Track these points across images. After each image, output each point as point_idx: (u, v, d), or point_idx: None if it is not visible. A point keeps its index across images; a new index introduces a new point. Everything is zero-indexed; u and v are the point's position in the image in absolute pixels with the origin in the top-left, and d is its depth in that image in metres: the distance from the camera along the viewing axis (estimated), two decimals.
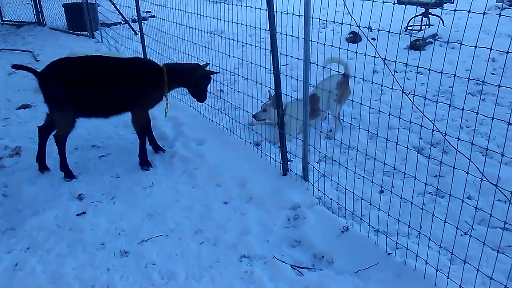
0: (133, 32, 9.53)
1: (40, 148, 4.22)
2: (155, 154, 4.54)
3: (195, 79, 4.32)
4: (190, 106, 5.57)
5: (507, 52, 2.16)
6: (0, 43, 9.60)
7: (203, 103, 5.34)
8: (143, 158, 4.29)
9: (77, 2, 10.05)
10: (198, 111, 5.42)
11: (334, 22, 3.23)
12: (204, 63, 4.46)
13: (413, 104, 2.82)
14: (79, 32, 10.02)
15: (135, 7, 6.62)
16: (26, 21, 11.30)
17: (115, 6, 9.95)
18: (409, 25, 8.78)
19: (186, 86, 4.45)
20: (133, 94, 4.04)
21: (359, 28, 3.01)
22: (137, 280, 2.89)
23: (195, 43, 5.43)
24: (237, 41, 4.78)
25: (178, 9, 5.73)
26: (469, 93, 5.69)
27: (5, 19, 11.73)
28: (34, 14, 11.19)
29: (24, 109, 5.89)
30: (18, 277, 2.94)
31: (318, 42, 3.40)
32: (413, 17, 8.60)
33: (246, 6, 4.31)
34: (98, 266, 3.02)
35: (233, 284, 2.84)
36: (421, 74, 5.96)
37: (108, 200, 3.78)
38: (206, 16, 5.11)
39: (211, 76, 4.42)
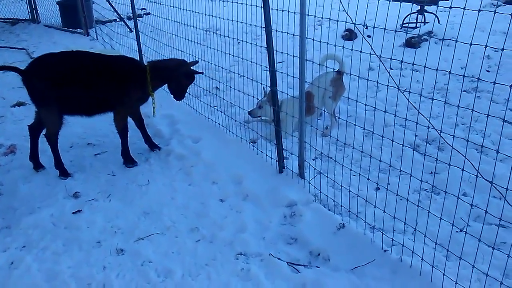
0: (128, 30, 9.49)
1: (32, 147, 4.20)
2: (151, 152, 4.53)
3: (177, 76, 4.20)
4: (186, 103, 5.56)
5: (502, 50, 2.17)
6: None
7: (199, 101, 5.34)
8: (126, 157, 4.28)
9: None
10: (193, 108, 5.41)
11: (329, 19, 3.22)
12: (193, 60, 4.39)
13: (409, 101, 2.83)
14: (73, 30, 9.97)
15: (130, 4, 6.59)
16: (21, 18, 11.23)
17: (110, 4, 9.91)
18: (404, 22, 8.80)
19: (168, 83, 4.31)
20: (114, 93, 3.99)
21: (355, 26, 3.01)
22: (134, 278, 2.88)
23: (191, 41, 5.42)
24: (233, 38, 4.77)
25: (173, 6, 5.71)
26: (464, 90, 5.71)
27: None
28: (28, 12, 11.12)
29: (19, 107, 5.86)
30: (13, 275, 2.93)
31: (314, 40, 3.40)
32: (408, 15, 8.61)
33: (242, 3, 4.30)
34: (94, 264, 3.01)
35: (230, 282, 2.84)
36: (417, 72, 5.97)
37: (104, 198, 3.77)
38: (202, 14, 5.09)
39: (195, 76, 4.30)
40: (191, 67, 4.25)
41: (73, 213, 3.57)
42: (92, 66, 3.97)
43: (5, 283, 2.87)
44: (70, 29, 10.06)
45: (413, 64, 2.70)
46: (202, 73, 4.37)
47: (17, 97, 6.09)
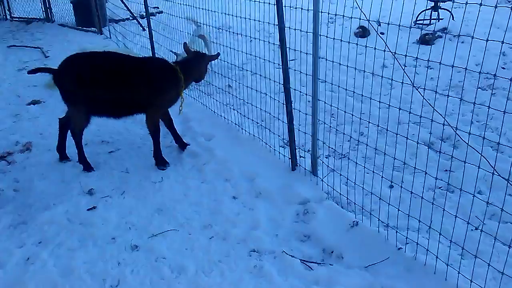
0: (141, 28, 9.55)
1: (60, 139, 4.33)
2: (164, 149, 4.55)
3: (205, 69, 4.41)
4: (199, 101, 5.58)
5: None
6: (9, 39, 9.67)
7: (211, 99, 5.35)
8: (159, 159, 4.26)
9: None
10: (206, 106, 5.42)
11: (343, 16, 3.21)
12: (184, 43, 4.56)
13: (424, 98, 2.80)
14: (87, 28, 10.06)
15: (143, 3, 6.63)
16: (35, 17, 11.37)
17: (123, 2, 9.99)
18: (418, 19, 8.71)
19: (197, 80, 4.50)
20: (148, 95, 4.00)
21: (369, 22, 2.99)
22: (148, 274, 2.91)
23: None
24: (245, 36, 4.76)
25: (185, 4, 5.73)
26: (479, 88, 5.64)
27: (14, 16, 11.81)
28: (42, 11, 11.25)
29: (34, 105, 5.94)
30: (30, 271, 2.97)
31: (327, 37, 3.39)
32: (422, 11, 8.53)
33: (255, 1, 4.30)
34: (109, 260, 3.04)
35: (243, 279, 2.85)
36: (431, 69, 5.91)
37: (118, 195, 3.81)
38: (214, 11, 5.10)
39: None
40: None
41: (88, 209, 3.61)
42: (124, 67, 3.98)
43: (22, 278, 2.91)
44: (84, 28, 10.15)
45: (428, 61, 2.67)
46: (218, 54, 4.57)
47: (33, 95, 6.18)
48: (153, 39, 6.72)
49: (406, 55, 2.82)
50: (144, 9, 6.75)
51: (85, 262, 3.04)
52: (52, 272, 2.96)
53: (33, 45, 8.98)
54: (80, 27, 10.29)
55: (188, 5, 5.70)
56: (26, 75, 7.07)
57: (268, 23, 4.14)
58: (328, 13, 3.44)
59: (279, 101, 4.65)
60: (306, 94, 4.05)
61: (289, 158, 3.97)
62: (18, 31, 10.52)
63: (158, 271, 2.93)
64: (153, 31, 6.71)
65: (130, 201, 3.72)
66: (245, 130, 4.67)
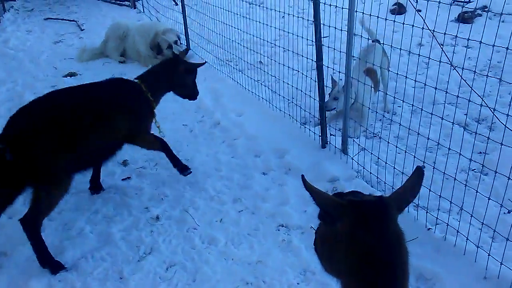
0: (174, 3, 9.55)
1: None
2: (195, 124, 4.61)
3: (178, 79, 3.62)
4: (230, 77, 5.60)
5: None
6: (46, 12, 9.85)
7: (243, 75, 5.36)
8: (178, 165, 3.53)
9: None
10: (237, 82, 5.44)
11: None
12: (183, 50, 4.10)
13: (461, 78, 2.74)
14: (121, 2, 10.15)
15: None
16: None
17: None
18: None
19: (173, 90, 3.72)
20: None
21: None
22: (180, 243, 3.01)
23: (235, 13, 5.41)
24: (278, 11, 4.72)
25: None
26: None
27: None
28: None
29: (70, 77, 6.08)
30: (68, 236, 3.12)
31: (363, 13, 3.33)
32: None
33: None
34: (143, 229, 3.16)
35: (271, 251, 2.91)
36: (469, 48, 5.73)
37: (151, 167, 3.91)
38: None
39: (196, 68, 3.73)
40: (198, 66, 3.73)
41: (123, 179, 3.73)
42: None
43: (61, 243, 3.06)
44: (118, 2, 10.24)
45: (468, 40, 2.60)
46: (204, 63, 3.86)
47: (69, 68, 6.32)
48: (186, 14, 6.73)
49: (445, 33, 2.74)
50: None
51: (120, 230, 3.16)
52: (89, 237, 3.10)
53: (69, 18, 9.13)
54: (114, 1, 10.38)
55: None
56: (62, 47, 7.25)
57: None
58: None
59: (310, 78, 4.62)
60: (339, 72, 4.02)
61: (320, 136, 3.97)
62: (54, 3, 10.70)
63: (190, 241, 3.02)
64: (186, 6, 6.72)
65: (163, 173, 3.81)
66: (276, 107, 4.68)
